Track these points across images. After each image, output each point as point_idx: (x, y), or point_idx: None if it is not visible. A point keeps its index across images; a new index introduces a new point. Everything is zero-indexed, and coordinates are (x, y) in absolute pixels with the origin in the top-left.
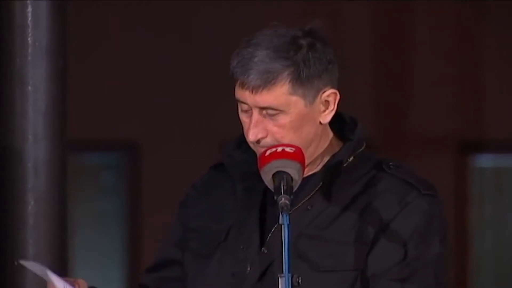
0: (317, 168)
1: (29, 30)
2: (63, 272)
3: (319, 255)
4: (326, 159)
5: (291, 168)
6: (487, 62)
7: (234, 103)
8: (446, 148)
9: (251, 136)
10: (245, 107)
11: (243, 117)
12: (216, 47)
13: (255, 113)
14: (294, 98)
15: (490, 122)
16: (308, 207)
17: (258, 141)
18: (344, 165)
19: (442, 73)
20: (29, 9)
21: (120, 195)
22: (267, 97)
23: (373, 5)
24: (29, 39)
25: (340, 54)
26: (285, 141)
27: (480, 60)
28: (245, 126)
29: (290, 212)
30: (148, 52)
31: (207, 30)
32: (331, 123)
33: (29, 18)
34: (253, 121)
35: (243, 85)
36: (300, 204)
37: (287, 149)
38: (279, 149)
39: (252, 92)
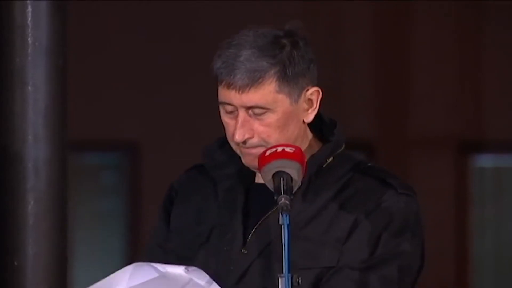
0: None
1: (29, 30)
2: (63, 272)
3: (297, 254)
4: (305, 160)
5: (291, 168)
6: (487, 62)
7: None
8: (446, 148)
9: (238, 136)
10: (229, 108)
11: (226, 119)
12: (216, 48)
13: (242, 113)
14: (280, 96)
15: (490, 122)
16: None
17: (244, 142)
18: (323, 165)
19: (442, 73)
20: (29, 9)
21: (120, 195)
22: (254, 96)
23: (373, 5)
24: (29, 39)
25: (341, 55)
26: (272, 140)
27: (480, 60)
28: (229, 128)
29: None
30: (148, 52)
31: (207, 30)
32: (312, 124)
33: (29, 18)
34: (239, 121)
35: (229, 86)
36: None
37: (287, 149)
38: (279, 149)
39: (239, 91)
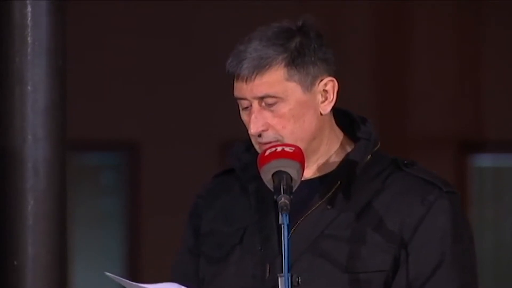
0: (331, 168)
1: (29, 30)
2: (63, 272)
3: (345, 256)
4: (339, 159)
5: (291, 168)
6: (487, 62)
7: (233, 104)
8: (446, 148)
9: (252, 129)
10: (244, 103)
11: (244, 116)
12: (216, 48)
13: (255, 105)
14: (290, 84)
15: (490, 122)
16: (328, 206)
17: (259, 135)
18: (363, 164)
19: (442, 73)
20: (29, 9)
21: (120, 195)
22: (262, 85)
23: (373, 5)
24: (28, 38)
25: (340, 55)
26: (287, 132)
27: (480, 60)
28: (247, 124)
29: (289, 211)
30: (148, 52)
31: (207, 31)
32: (341, 123)
33: (29, 18)
34: (253, 114)
35: (237, 77)
36: (319, 204)
37: (287, 149)
38: (279, 148)
39: (246, 81)
